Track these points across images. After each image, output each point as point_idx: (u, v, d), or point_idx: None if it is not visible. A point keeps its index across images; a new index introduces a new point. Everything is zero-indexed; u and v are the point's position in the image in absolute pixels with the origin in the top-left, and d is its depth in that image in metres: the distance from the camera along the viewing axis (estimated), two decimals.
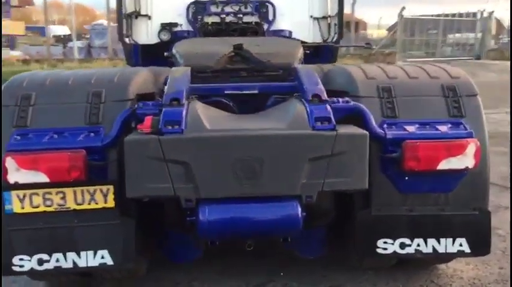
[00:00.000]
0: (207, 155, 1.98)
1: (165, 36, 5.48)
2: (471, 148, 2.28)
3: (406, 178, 2.32)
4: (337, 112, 2.27)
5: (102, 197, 2.15)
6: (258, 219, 2.07)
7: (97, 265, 2.21)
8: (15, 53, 20.43)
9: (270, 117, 2.28)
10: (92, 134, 2.24)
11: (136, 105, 2.35)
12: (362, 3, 30.58)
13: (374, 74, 2.58)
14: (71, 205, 2.17)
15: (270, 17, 5.53)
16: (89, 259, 2.19)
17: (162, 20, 5.50)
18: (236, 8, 5.51)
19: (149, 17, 5.56)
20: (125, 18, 5.37)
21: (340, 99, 2.37)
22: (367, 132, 2.14)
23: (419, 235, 2.41)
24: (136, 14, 5.52)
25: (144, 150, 2.00)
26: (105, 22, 25.61)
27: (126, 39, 5.40)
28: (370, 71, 2.62)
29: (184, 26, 5.52)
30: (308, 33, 5.56)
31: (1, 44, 15.06)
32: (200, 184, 2.00)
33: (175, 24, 5.50)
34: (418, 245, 2.41)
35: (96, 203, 2.16)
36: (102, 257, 2.16)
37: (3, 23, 17.31)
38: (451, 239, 2.40)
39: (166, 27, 5.49)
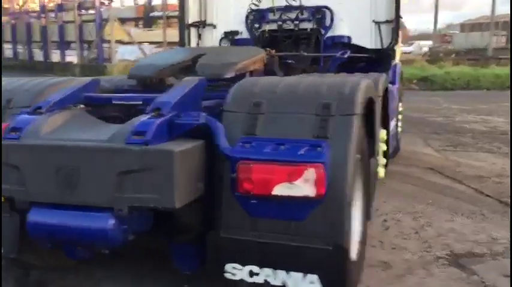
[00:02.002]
0: (34, 162, 2.16)
1: (226, 45, 5.69)
2: (310, 174, 2.05)
3: (254, 201, 2.17)
4: (179, 128, 2.24)
5: None
6: (71, 227, 2.16)
7: None
8: None
9: (104, 129, 2.33)
10: None
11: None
12: None
13: (261, 88, 2.44)
14: None
15: (327, 23, 5.40)
16: None
17: (226, 28, 5.72)
18: (293, 15, 5.48)
19: (214, 26, 5.84)
20: (187, 28, 5.72)
21: (192, 114, 2.30)
22: (174, 150, 2.04)
23: (269, 264, 2.23)
24: (203, 24, 5.84)
25: None
26: None
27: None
28: (260, 85, 2.48)
29: (244, 34, 5.66)
30: (369, 38, 5.27)
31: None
32: (29, 189, 2.18)
33: (236, 33, 5.68)
34: (268, 275, 2.23)
35: None
36: None
37: None
38: (301, 274, 2.18)
39: (227, 35, 5.70)
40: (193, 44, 5.82)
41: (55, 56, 24.97)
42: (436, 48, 32.64)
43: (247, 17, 5.63)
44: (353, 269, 2.52)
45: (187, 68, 3.27)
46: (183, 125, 2.27)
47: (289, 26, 5.53)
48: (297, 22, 5.49)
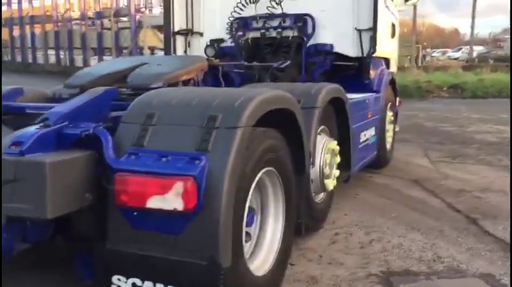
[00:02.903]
0: None
1: (211, 53, 5.72)
2: (178, 187, 2.02)
3: (135, 213, 2.15)
4: (67, 138, 2.25)
5: None
6: None
7: None
8: None
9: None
10: None
11: None
12: None
13: (159, 99, 2.42)
14: None
15: (309, 31, 5.33)
16: None
17: (212, 36, 5.75)
18: (276, 23, 5.45)
19: (201, 34, 5.88)
20: (173, 36, 5.78)
21: (82, 125, 2.31)
22: (46, 161, 2.05)
23: (150, 278, 2.20)
24: (191, 32, 5.89)
25: None
26: None
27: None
28: (161, 96, 2.48)
29: (229, 42, 5.67)
30: (351, 46, 5.17)
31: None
32: None
33: (222, 40, 5.70)
34: None
35: None
36: None
37: None
38: None
39: (212, 43, 5.73)
40: (179, 51, 5.89)
41: (93, 62, 25.77)
42: (484, 54, 31.62)
43: (231, 25, 5.64)
44: (253, 284, 2.48)
45: (124, 77, 3.31)
46: (71, 136, 2.29)
47: (272, 34, 5.52)
48: (280, 30, 5.46)
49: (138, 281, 2.22)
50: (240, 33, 5.60)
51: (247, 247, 2.73)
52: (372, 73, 5.38)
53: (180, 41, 5.88)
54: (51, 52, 29.26)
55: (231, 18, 5.60)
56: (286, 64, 4.84)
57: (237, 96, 2.37)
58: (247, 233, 2.80)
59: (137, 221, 2.18)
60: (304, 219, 3.17)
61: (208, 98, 2.39)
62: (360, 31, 5.12)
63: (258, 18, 5.51)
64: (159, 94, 2.53)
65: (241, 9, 5.56)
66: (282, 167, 2.76)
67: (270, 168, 2.65)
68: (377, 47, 5.05)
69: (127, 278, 2.25)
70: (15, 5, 32.87)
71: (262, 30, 5.51)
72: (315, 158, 3.52)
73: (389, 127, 5.97)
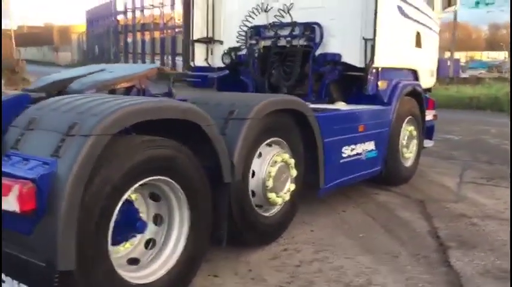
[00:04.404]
0: None
1: (227, 60, 5.83)
2: (15, 190, 2.09)
3: None
4: None
5: None
6: None
7: None
8: None
9: None
10: None
11: None
12: None
13: (46, 105, 2.55)
14: None
15: (317, 40, 5.21)
16: None
17: (231, 45, 5.84)
18: (286, 32, 5.40)
19: (221, 42, 6.00)
20: (192, 44, 5.96)
21: None
22: None
23: (9, 273, 2.31)
24: (212, 40, 6.03)
25: None
26: None
27: (191, 63, 5.98)
28: (50, 102, 2.62)
29: (244, 50, 5.72)
30: (359, 56, 4.97)
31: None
32: None
33: (238, 49, 5.77)
34: (10, 285, 2.32)
35: None
36: None
37: None
38: None
39: (229, 51, 5.82)
40: (199, 59, 6.04)
41: None
42: None
43: (245, 33, 5.68)
44: None
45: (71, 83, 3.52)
46: None
47: (282, 42, 5.47)
48: (289, 39, 5.40)
49: (3, 277, 2.38)
50: (253, 41, 5.63)
51: (144, 253, 2.80)
52: (382, 84, 5.10)
53: (200, 48, 6.03)
54: (157, 58, 31.32)
55: (243, 27, 5.65)
56: None
57: (107, 106, 2.43)
58: (151, 240, 2.87)
59: (6, 219, 2.33)
60: (225, 231, 3.13)
61: (81, 105, 2.49)
62: (366, 40, 4.89)
63: (269, 26, 5.50)
64: (52, 101, 2.67)
65: (252, 18, 5.58)
66: (181, 177, 2.76)
67: (162, 177, 2.68)
68: (382, 58, 4.80)
69: (6, 276, 2.41)
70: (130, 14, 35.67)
71: (273, 39, 5.49)
72: (257, 170, 3.47)
73: (409, 142, 5.60)
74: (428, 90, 6.60)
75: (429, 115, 6.28)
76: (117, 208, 2.46)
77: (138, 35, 34.74)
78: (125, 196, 2.50)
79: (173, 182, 2.74)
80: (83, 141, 2.26)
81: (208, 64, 6.11)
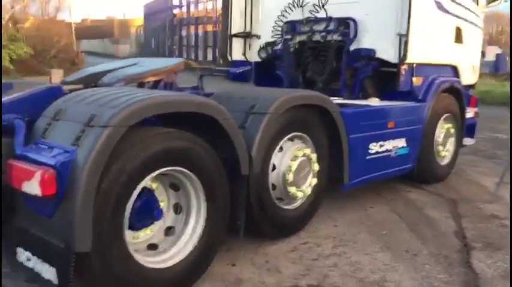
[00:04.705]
0: None
1: (264, 55, 5.91)
2: (37, 175, 2.27)
3: (23, 194, 2.46)
4: None
5: None
6: None
7: None
8: None
9: None
10: None
11: None
12: None
13: (72, 97, 2.73)
14: None
15: (352, 35, 5.19)
16: None
17: (268, 39, 5.91)
18: (321, 27, 5.41)
19: (259, 37, 6.07)
20: (229, 39, 6.06)
21: (5, 117, 2.69)
22: None
23: (35, 253, 2.49)
24: (249, 35, 6.12)
25: None
26: None
27: (229, 57, 6.09)
28: (77, 95, 2.80)
29: (280, 45, 5.78)
30: (394, 52, 4.91)
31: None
32: None
33: (274, 43, 5.83)
34: (34, 263, 2.49)
35: None
36: None
37: None
38: (48, 266, 2.41)
39: (266, 46, 5.89)
40: (236, 53, 6.14)
41: None
42: None
43: (281, 28, 5.73)
44: (142, 273, 2.65)
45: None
46: None
47: (317, 37, 5.47)
48: (324, 34, 5.39)
49: (29, 255, 2.58)
50: (289, 36, 5.66)
51: (164, 239, 2.94)
52: (417, 81, 5.02)
53: (238, 43, 6.13)
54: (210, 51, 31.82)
55: (279, 22, 5.69)
56: None
57: (125, 99, 2.57)
58: (171, 227, 3.01)
59: (26, 201, 2.53)
60: (242, 222, 3.22)
61: (103, 98, 2.65)
62: (400, 36, 4.83)
63: (304, 21, 5.52)
64: (78, 93, 2.85)
65: (288, 13, 5.62)
66: (197, 168, 2.88)
67: (178, 167, 2.80)
68: (416, 54, 4.74)
69: (25, 251, 2.62)
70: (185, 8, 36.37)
71: (308, 34, 5.50)
72: (278, 164, 3.53)
73: (446, 140, 5.48)
74: (471, 86, 6.41)
75: (470, 113, 6.10)
76: (133, 195, 2.60)
77: (192, 28, 35.38)
78: (141, 185, 2.64)
79: (190, 172, 2.86)
80: (101, 131, 2.41)
81: (246, 58, 6.21)
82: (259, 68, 6.10)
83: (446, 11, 5.24)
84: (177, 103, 2.82)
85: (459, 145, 5.82)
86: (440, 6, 5.12)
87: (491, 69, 22.00)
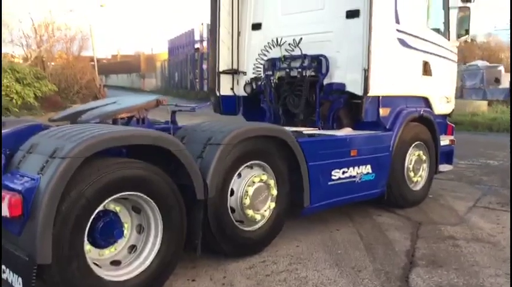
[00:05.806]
0: None
1: (249, 90, 6.39)
2: (6, 199, 2.74)
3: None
4: None
5: None
6: None
7: None
8: None
9: None
10: None
11: None
12: None
13: (45, 132, 3.25)
14: None
15: (324, 70, 5.63)
16: None
17: (253, 75, 6.40)
18: (297, 64, 5.87)
19: (244, 73, 6.56)
20: (218, 76, 6.57)
21: None
22: None
23: (10, 267, 2.91)
24: (236, 71, 6.62)
25: None
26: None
27: (217, 92, 6.58)
28: (51, 130, 3.32)
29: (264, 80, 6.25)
30: (360, 85, 5.33)
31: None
32: None
33: (259, 79, 6.31)
34: (7, 276, 2.94)
35: None
36: None
37: None
38: (16, 276, 2.86)
39: (251, 81, 6.38)
40: (224, 88, 6.63)
41: None
42: None
43: (263, 65, 6.21)
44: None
45: None
46: None
47: (294, 73, 5.92)
48: (300, 70, 5.84)
49: (4, 268, 3.03)
50: (270, 72, 6.13)
51: (126, 256, 3.36)
52: (384, 111, 5.41)
53: (225, 79, 6.63)
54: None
55: (259, 60, 6.18)
56: None
57: (86, 134, 3.05)
58: (134, 246, 3.43)
59: (3, 222, 3.00)
60: (199, 241, 3.62)
61: (70, 133, 3.13)
62: (365, 71, 5.23)
63: (282, 59, 5.98)
64: (52, 129, 3.36)
65: (267, 51, 6.10)
66: (153, 193, 3.31)
67: (134, 193, 3.24)
68: (380, 87, 5.16)
69: (5, 267, 3.07)
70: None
71: (287, 70, 5.96)
72: (236, 189, 3.94)
73: (418, 167, 5.79)
74: (448, 115, 6.73)
75: (445, 140, 6.41)
76: (92, 217, 3.05)
77: None
78: (100, 207, 3.09)
79: (147, 197, 3.30)
80: (60, 162, 2.88)
81: (234, 93, 6.70)
82: (247, 101, 6.59)
83: (411, 47, 5.64)
84: (134, 137, 3.28)
85: (433, 171, 6.11)
86: (403, 43, 5.52)
87: (505, 96, 22.14)
